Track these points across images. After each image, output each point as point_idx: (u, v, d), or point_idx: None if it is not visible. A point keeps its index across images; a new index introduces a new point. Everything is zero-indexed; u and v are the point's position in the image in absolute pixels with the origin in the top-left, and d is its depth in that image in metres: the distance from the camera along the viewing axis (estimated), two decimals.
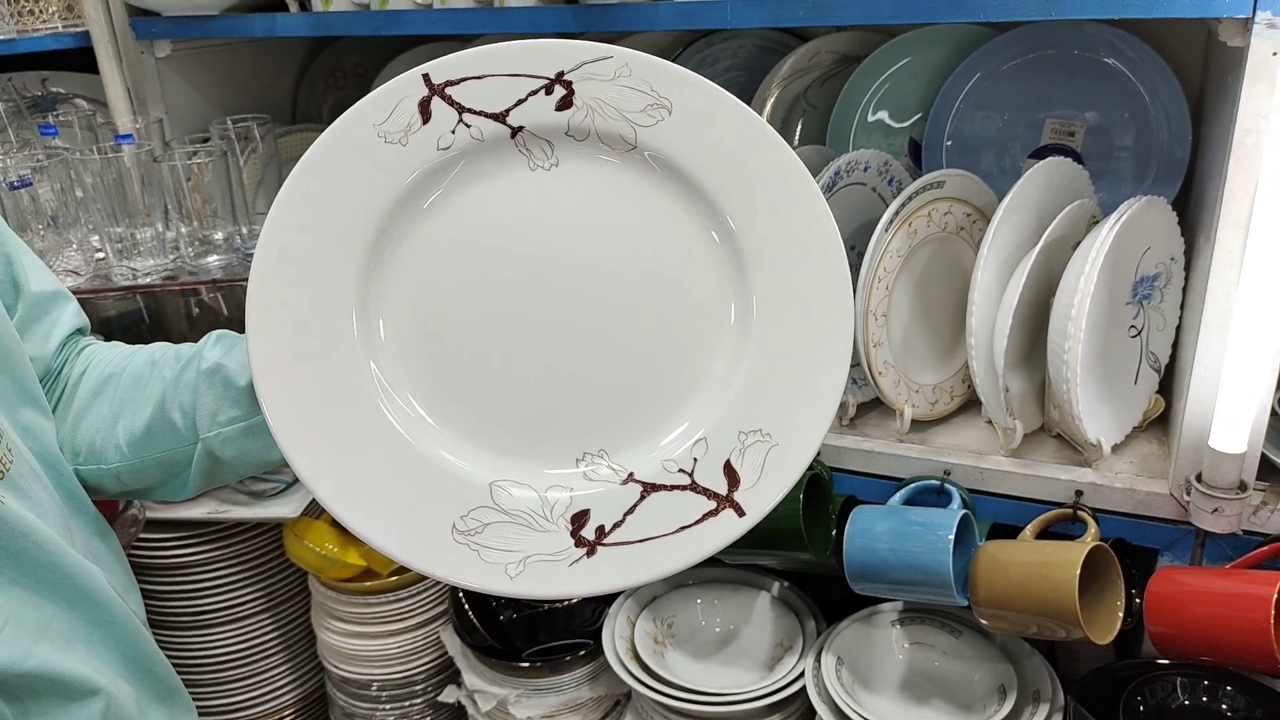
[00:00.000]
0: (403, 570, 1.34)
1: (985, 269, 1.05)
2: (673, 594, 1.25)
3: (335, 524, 1.35)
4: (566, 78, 0.61)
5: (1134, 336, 1.14)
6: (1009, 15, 0.93)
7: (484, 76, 0.60)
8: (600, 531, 0.59)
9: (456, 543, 0.57)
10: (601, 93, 0.61)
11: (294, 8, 1.32)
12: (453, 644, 1.30)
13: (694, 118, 0.61)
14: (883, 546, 1.02)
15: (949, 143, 1.31)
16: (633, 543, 0.59)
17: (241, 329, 0.61)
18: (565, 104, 0.61)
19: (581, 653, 1.22)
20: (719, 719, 1.09)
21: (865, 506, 1.07)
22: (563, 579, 0.57)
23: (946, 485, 1.09)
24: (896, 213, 1.10)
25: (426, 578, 1.36)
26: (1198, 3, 0.86)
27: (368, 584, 1.34)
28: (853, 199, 1.19)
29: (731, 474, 0.60)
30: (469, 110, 0.61)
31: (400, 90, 0.60)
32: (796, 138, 1.41)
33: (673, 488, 0.60)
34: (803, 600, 1.23)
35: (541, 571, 0.57)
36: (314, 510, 1.38)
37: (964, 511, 1.02)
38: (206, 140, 1.39)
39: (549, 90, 0.61)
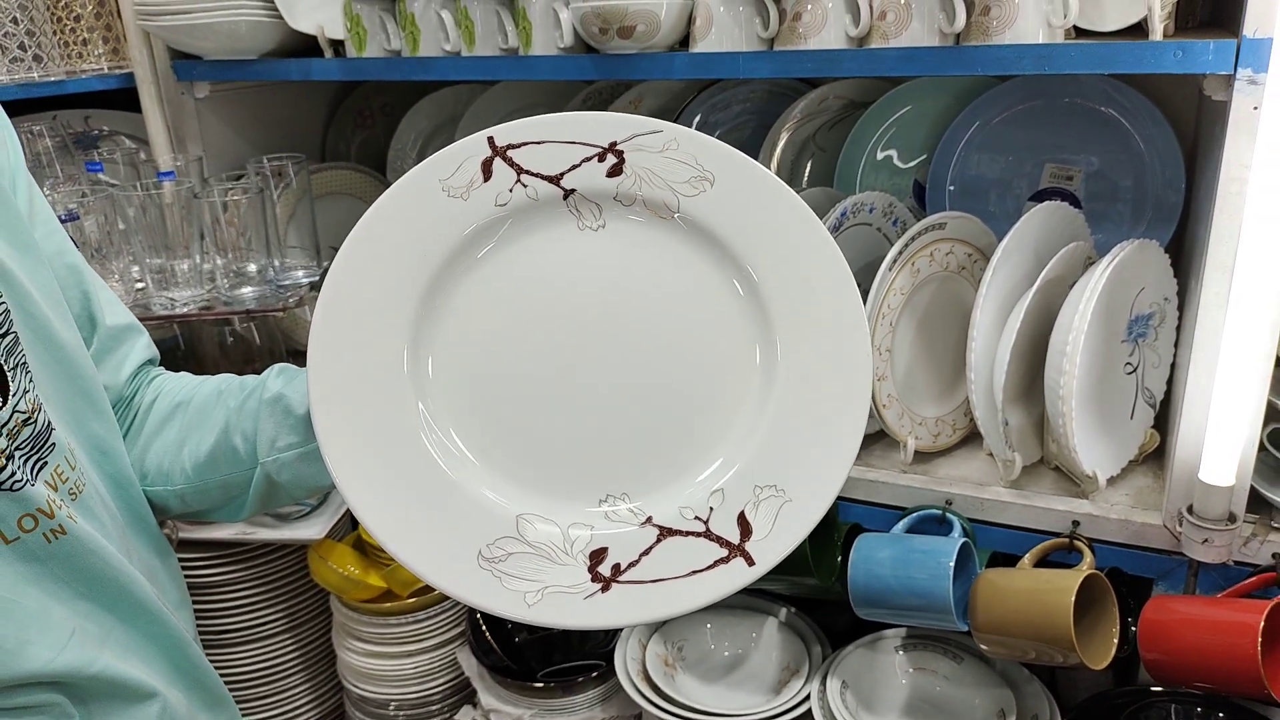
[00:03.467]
0: (422, 592, 1.39)
1: (985, 307, 1.10)
2: (683, 618, 1.29)
3: (358, 546, 1.41)
4: (619, 148, 0.66)
5: (1130, 373, 1.18)
6: (1004, 70, 0.99)
7: (543, 142, 0.66)
8: (616, 569, 0.62)
9: (481, 568, 0.61)
10: (650, 163, 0.66)
11: (329, 53, 1.39)
12: (469, 664, 1.34)
13: (735, 191, 0.66)
14: (886, 573, 1.06)
15: (952, 186, 1.36)
16: (645, 582, 0.62)
17: (272, 359, 0.66)
18: (616, 171, 0.66)
19: (594, 674, 1.26)
20: None
21: (869, 534, 1.11)
22: (577, 611, 0.61)
23: (948, 515, 1.14)
24: (900, 252, 1.15)
25: (445, 600, 1.41)
26: (1183, 60, 0.92)
27: (388, 605, 1.38)
28: (859, 239, 1.25)
29: (745, 525, 0.63)
30: (527, 172, 0.66)
31: (466, 150, 0.65)
32: (805, 179, 1.47)
33: (688, 533, 0.63)
34: (809, 626, 1.26)
35: (558, 602, 0.61)
36: (338, 533, 1.43)
37: (964, 540, 1.06)
38: (240, 177, 1.46)
39: (602, 158, 0.66)
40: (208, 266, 1.37)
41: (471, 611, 1.33)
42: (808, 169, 1.48)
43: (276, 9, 1.37)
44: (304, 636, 1.48)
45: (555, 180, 0.66)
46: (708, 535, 0.63)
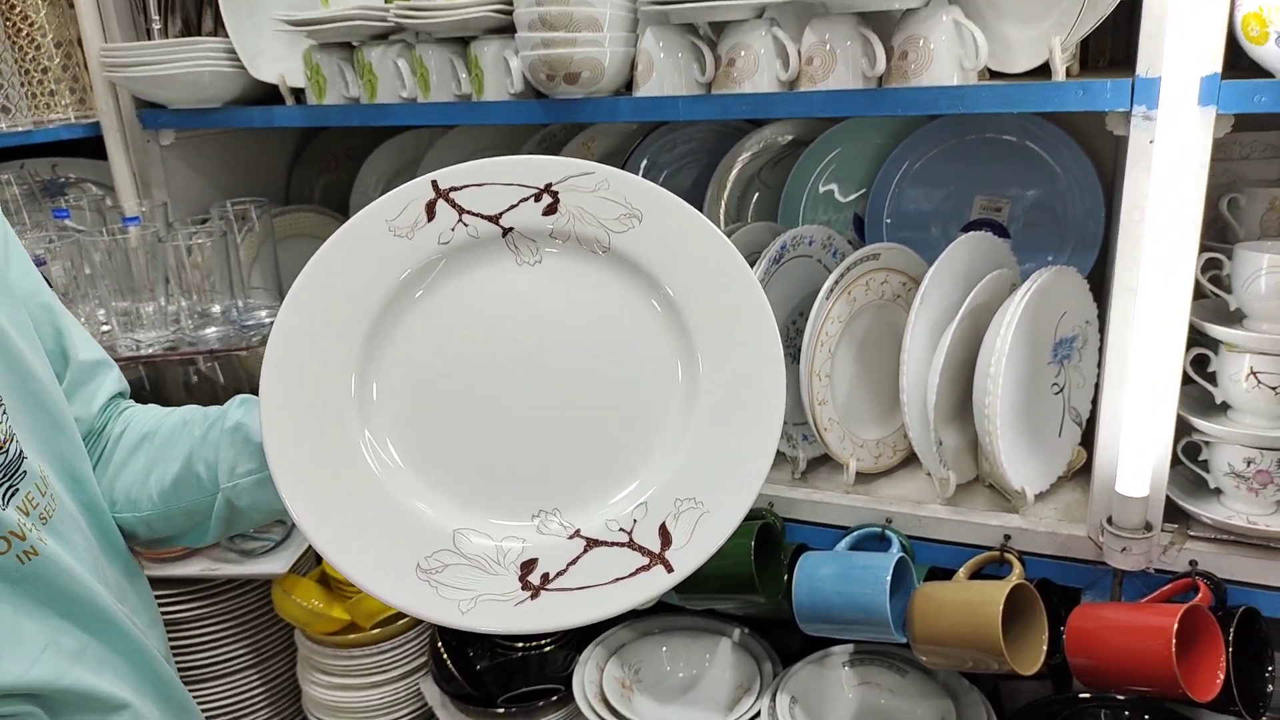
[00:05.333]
0: (385, 624, 1.42)
1: (915, 333, 1.16)
2: (639, 641, 1.33)
3: (322, 580, 1.44)
4: (554, 188, 0.72)
5: (1056, 393, 1.24)
6: (923, 110, 1.05)
7: (484, 184, 0.71)
8: (545, 578, 0.67)
9: (419, 579, 0.65)
10: (583, 202, 0.71)
11: (290, 101, 1.44)
12: (432, 694, 1.37)
13: (661, 227, 0.71)
14: (828, 589, 1.10)
15: (889, 219, 1.43)
16: (572, 589, 0.67)
17: (231, 396, 0.71)
18: (551, 210, 0.72)
19: (554, 698, 1.29)
20: None
21: (812, 553, 1.16)
22: (508, 617, 0.65)
23: (888, 532, 1.19)
24: (836, 282, 1.21)
25: (408, 631, 1.44)
26: (1084, 98, 0.99)
27: (351, 637, 1.40)
28: (799, 270, 1.31)
29: (665, 535, 0.68)
30: (468, 212, 0.71)
31: (411, 193, 0.70)
32: (751, 214, 1.54)
33: (613, 544, 0.68)
34: (761, 645, 1.30)
35: (490, 609, 0.65)
36: (301, 568, 1.45)
37: (901, 555, 1.11)
38: (205, 221, 1.51)
39: (538, 198, 0.71)
40: (172, 308, 1.40)
41: (434, 641, 1.36)
42: (753, 204, 1.54)
43: (239, 60, 1.43)
44: (269, 671, 1.50)
45: (495, 219, 0.71)
46: (631, 545, 0.67)
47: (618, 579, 0.66)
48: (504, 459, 0.70)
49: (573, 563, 0.67)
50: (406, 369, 0.71)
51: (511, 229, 0.72)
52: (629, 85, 1.23)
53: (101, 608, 0.67)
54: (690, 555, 0.66)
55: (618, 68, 1.19)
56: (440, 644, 1.33)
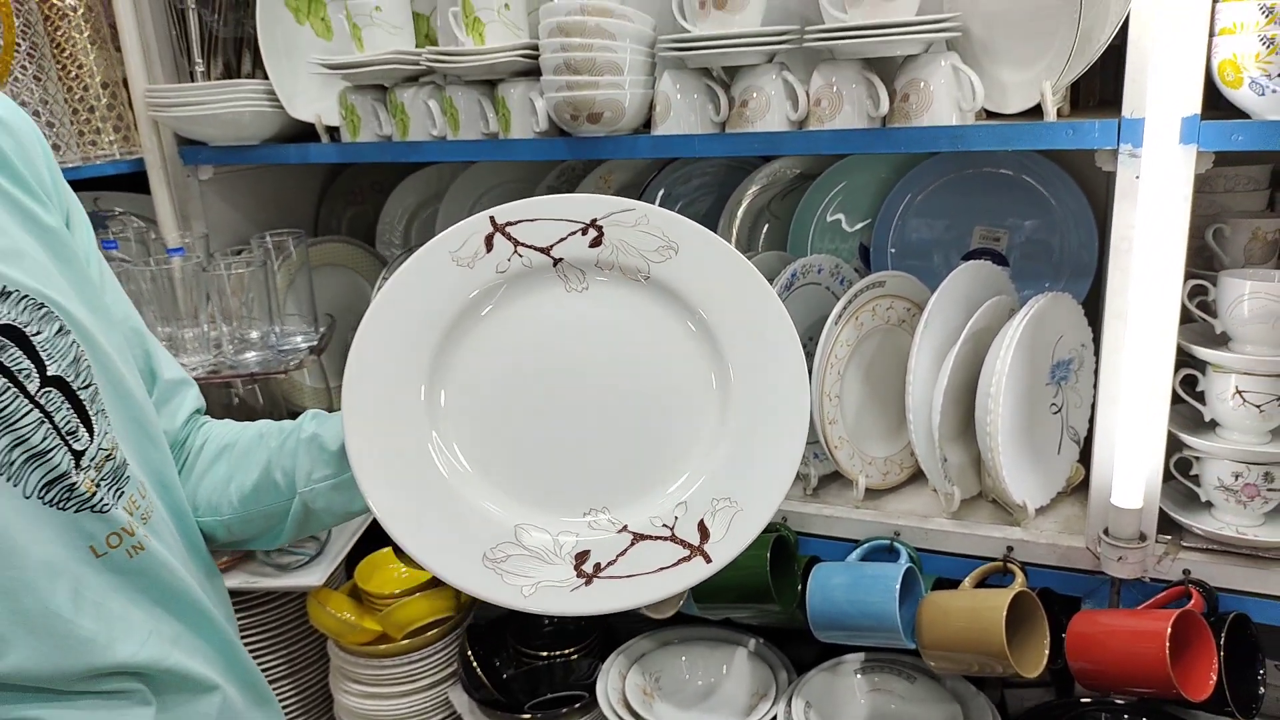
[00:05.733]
0: (415, 634, 1.48)
1: (919, 356, 1.22)
2: (659, 651, 1.39)
3: (353, 594, 1.50)
4: (599, 223, 0.80)
5: (1055, 413, 1.31)
6: (923, 148, 1.13)
7: (536, 219, 0.80)
8: (597, 568, 0.74)
9: (485, 568, 0.73)
10: (625, 236, 0.80)
11: (325, 138, 1.52)
12: (460, 701, 1.43)
13: (696, 258, 0.80)
14: (840, 597, 1.17)
15: (893, 249, 1.51)
16: (621, 577, 0.74)
17: (274, 419, 0.79)
18: (597, 243, 0.80)
19: (577, 705, 1.35)
20: None
21: (825, 564, 1.22)
22: (565, 601, 0.73)
23: (896, 545, 1.25)
24: (844, 308, 1.29)
25: (438, 641, 1.50)
26: (1074, 137, 1.06)
27: (383, 647, 1.47)
28: (809, 297, 1.38)
29: (704, 530, 0.75)
30: (523, 244, 0.79)
31: (472, 227, 0.79)
32: (761, 244, 1.61)
33: (657, 538, 0.76)
34: (776, 655, 1.36)
35: (549, 594, 0.72)
36: (334, 581, 1.52)
37: (909, 565, 1.17)
38: (240, 251, 1.59)
39: (585, 232, 0.80)
40: (214, 334, 1.48)
41: (463, 650, 1.42)
42: (763, 234, 1.62)
43: (278, 99, 1.51)
44: (303, 681, 1.56)
45: (546, 251, 0.80)
46: (673, 539, 0.75)
47: (661, 568, 0.74)
48: (558, 462, 0.78)
49: (622, 554, 0.74)
50: (471, 381, 0.79)
51: (561, 259, 0.80)
52: (648, 124, 1.30)
53: (193, 599, 0.74)
54: (726, 548, 0.73)
55: (637, 108, 1.27)
56: (470, 653, 1.39)
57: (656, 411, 0.79)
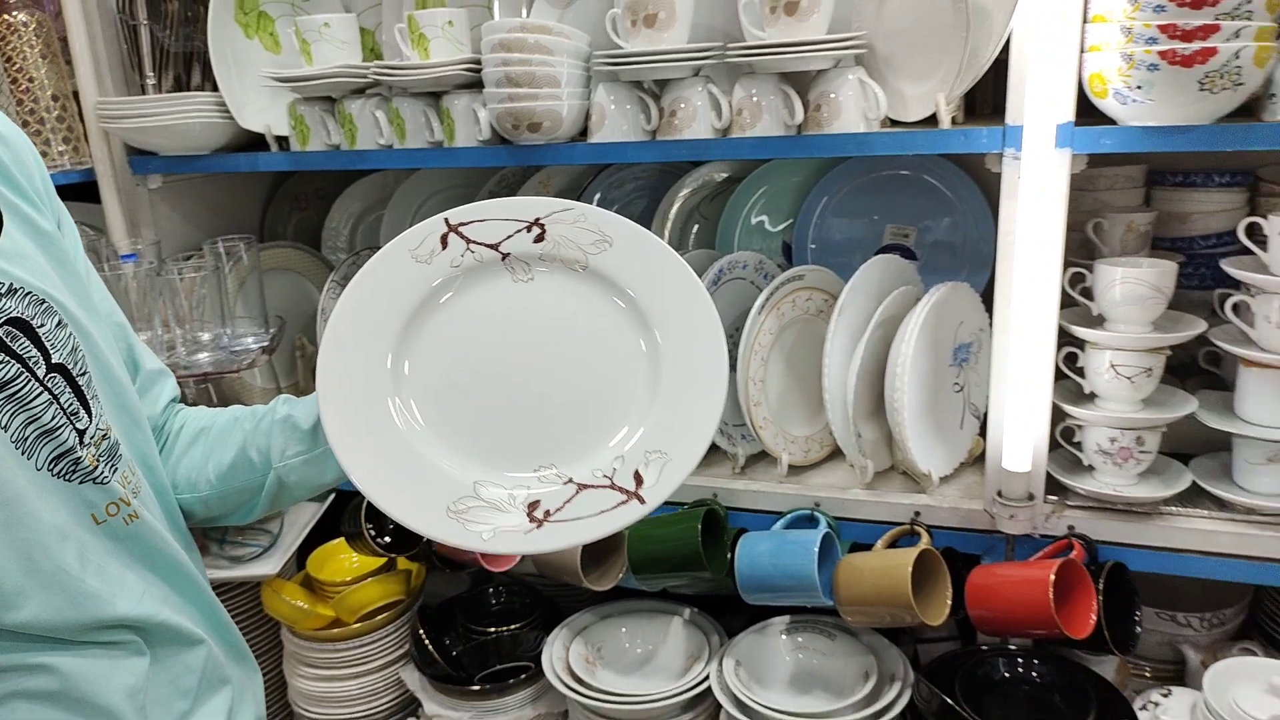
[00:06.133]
0: (367, 618, 1.55)
1: (834, 342, 1.35)
2: (601, 623, 1.49)
3: (305, 583, 1.57)
4: (542, 221, 0.91)
5: (958, 391, 1.44)
6: (835, 153, 1.26)
7: (486, 220, 0.90)
8: (546, 514, 0.84)
9: (449, 518, 0.83)
10: (565, 232, 0.91)
11: (275, 147, 1.59)
12: (411, 679, 1.50)
13: (628, 249, 0.91)
14: (765, 562, 1.28)
15: (813, 246, 1.63)
16: (568, 521, 0.85)
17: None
18: (540, 239, 0.91)
19: (524, 675, 1.44)
20: (642, 716, 1.32)
21: (751, 533, 1.33)
22: (519, 543, 0.83)
23: (816, 514, 1.37)
24: (767, 300, 1.40)
25: (389, 624, 1.57)
26: (966, 142, 1.19)
27: (336, 631, 1.54)
28: (735, 291, 1.50)
29: (639, 478, 0.86)
30: (474, 242, 0.90)
31: (428, 228, 0.90)
32: (692, 243, 1.73)
33: (598, 487, 0.86)
34: (709, 621, 1.47)
35: (505, 538, 0.82)
36: (286, 573, 1.58)
37: (826, 530, 1.29)
38: (190, 257, 1.64)
39: (529, 229, 0.91)
40: (167, 337, 1.54)
41: (414, 629, 1.50)
42: (694, 234, 1.73)
43: (228, 110, 1.58)
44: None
45: (495, 247, 0.91)
46: (612, 487, 0.86)
47: (602, 511, 0.84)
48: (511, 426, 0.88)
49: (568, 501, 0.85)
50: (431, 359, 0.89)
51: (509, 254, 0.91)
52: (584, 132, 1.41)
53: (180, 563, 0.82)
54: (658, 491, 0.85)
55: (574, 118, 1.38)
56: (421, 631, 1.47)
57: (596, 379, 0.90)
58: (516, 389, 0.89)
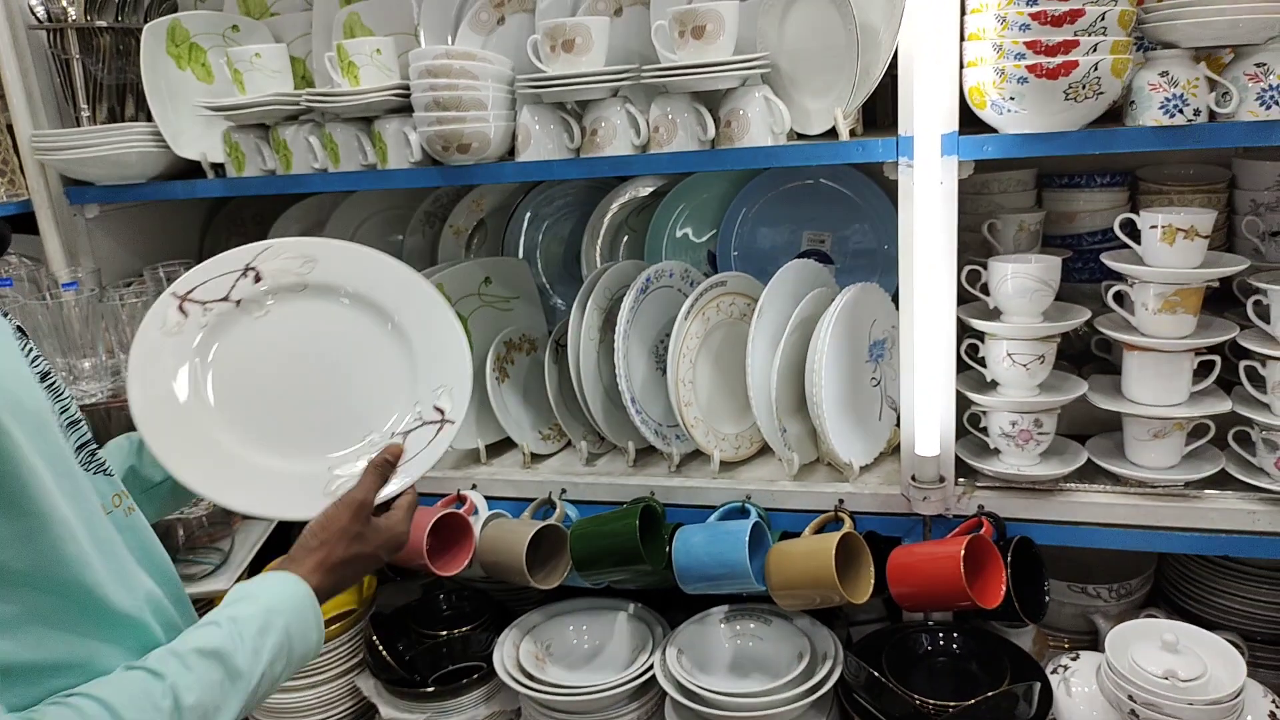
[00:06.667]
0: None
1: (755, 343, 1.43)
2: (550, 621, 1.55)
3: None
4: (252, 265, 1.12)
5: (875, 385, 1.54)
6: (745, 165, 1.34)
7: (207, 280, 1.10)
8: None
9: (327, 498, 1.03)
10: (275, 265, 1.13)
11: (211, 174, 1.63)
12: (366, 685, 1.55)
13: (332, 260, 1.15)
14: (700, 552, 1.35)
15: (736, 253, 1.72)
16: (410, 459, 1.09)
17: None
18: (258, 279, 1.12)
19: (476, 675, 1.49)
20: (591, 707, 1.38)
21: (687, 526, 1.40)
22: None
23: (747, 506, 1.45)
24: (692, 305, 1.48)
25: (344, 634, 1.61)
26: (864, 152, 1.28)
27: None
28: (664, 298, 1.57)
29: (439, 410, 1.13)
30: (207, 301, 1.09)
31: (163, 305, 1.07)
32: (621, 254, 1.80)
33: (416, 428, 1.12)
34: (653, 615, 1.54)
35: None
36: None
37: (756, 520, 1.36)
38: (131, 283, 1.67)
39: (246, 274, 1.11)
40: (111, 362, 1.57)
41: (368, 636, 1.54)
42: (623, 246, 1.81)
43: (163, 140, 1.62)
44: None
45: (226, 298, 1.11)
46: (425, 423, 1.11)
47: (430, 441, 1.11)
48: (327, 420, 1.11)
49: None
50: (234, 400, 1.08)
51: (240, 299, 1.11)
52: (512, 152, 1.48)
53: (164, 559, 0.89)
54: (458, 411, 1.13)
55: (501, 138, 1.44)
56: (374, 638, 1.51)
57: (367, 360, 1.15)
58: (314, 394, 1.12)
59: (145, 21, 1.64)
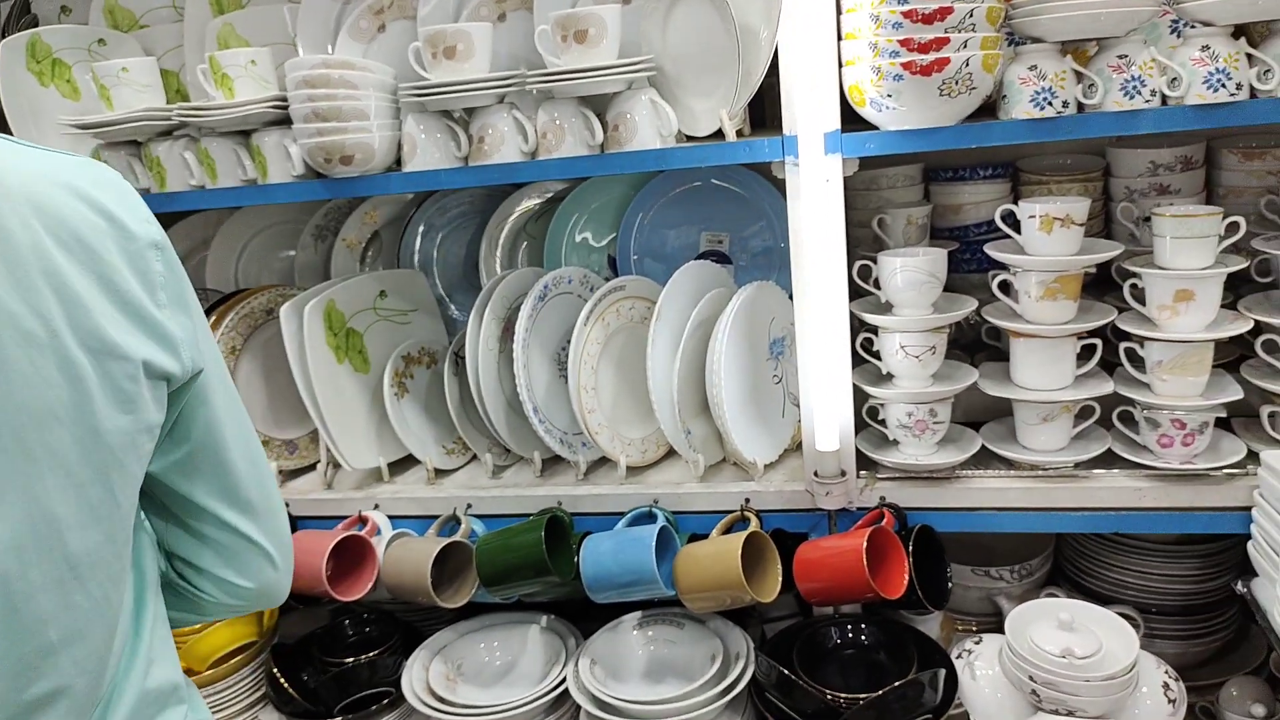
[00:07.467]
0: (218, 664, 1.53)
1: (655, 345, 1.42)
2: (460, 640, 1.52)
3: None
4: None
5: (777, 383, 1.54)
6: (635, 169, 1.33)
7: None
8: None
9: None
10: None
11: None
12: None
13: None
14: (608, 560, 1.34)
15: (635, 257, 1.71)
16: None
17: None
18: None
19: (385, 701, 1.45)
20: None
21: (594, 535, 1.39)
22: None
23: (654, 510, 1.44)
24: (591, 310, 1.47)
25: (242, 668, 1.55)
26: (751, 152, 1.29)
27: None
28: (562, 305, 1.56)
29: None
30: None
31: None
32: (521, 261, 1.78)
33: None
34: (566, 626, 1.52)
35: None
36: None
37: (663, 524, 1.36)
38: None
39: None
40: None
41: (268, 668, 1.48)
42: (523, 252, 1.79)
43: None
44: None
45: None
46: None
47: None
48: None
49: None
50: None
51: None
52: (399, 162, 1.44)
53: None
54: None
55: (386, 148, 1.41)
56: (275, 670, 1.46)
57: None
58: None
59: (2, 37, 1.56)
